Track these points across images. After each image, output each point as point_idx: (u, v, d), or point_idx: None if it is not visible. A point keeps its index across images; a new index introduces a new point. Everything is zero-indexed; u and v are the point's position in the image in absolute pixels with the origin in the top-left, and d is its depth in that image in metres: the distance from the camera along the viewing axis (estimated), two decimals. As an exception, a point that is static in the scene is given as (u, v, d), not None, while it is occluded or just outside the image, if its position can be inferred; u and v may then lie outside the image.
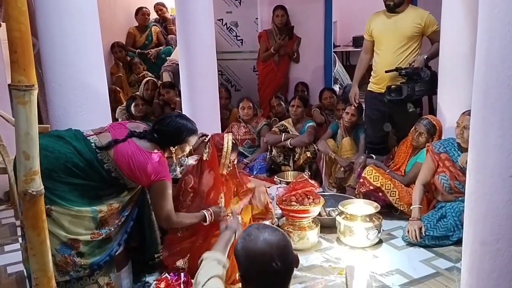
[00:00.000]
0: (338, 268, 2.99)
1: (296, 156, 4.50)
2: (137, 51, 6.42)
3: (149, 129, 2.57)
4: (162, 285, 2.56)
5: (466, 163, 1.96)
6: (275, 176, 4.34)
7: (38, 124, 1.52)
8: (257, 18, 5.95)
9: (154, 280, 2.68)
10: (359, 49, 4.61)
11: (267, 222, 3.07)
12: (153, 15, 6.79)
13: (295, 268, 1.60)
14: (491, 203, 1.74)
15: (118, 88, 5.92)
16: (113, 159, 2.38)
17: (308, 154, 4.44)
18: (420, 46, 3.96)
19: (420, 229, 3.20)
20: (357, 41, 7.61)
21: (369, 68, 4.25)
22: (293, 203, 3.22)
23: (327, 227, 3.47)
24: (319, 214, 3.41)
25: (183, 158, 3.20)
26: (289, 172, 4.47)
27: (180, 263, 2.76)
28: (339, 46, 8.69)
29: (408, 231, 3.24)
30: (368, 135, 4.20)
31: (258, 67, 5.82)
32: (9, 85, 3.83)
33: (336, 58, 6.72)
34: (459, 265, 2.80)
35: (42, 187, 1.54)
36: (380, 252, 3.21)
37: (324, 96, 5.21)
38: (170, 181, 2.53)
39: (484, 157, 1.76)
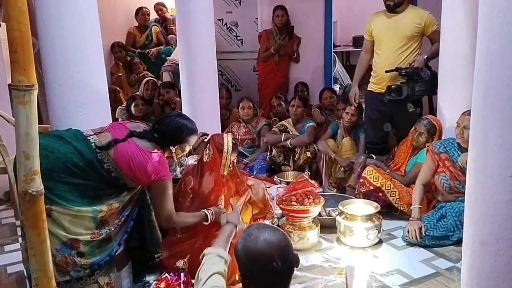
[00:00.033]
0: (338, 268, 2.99)
1: (296, 156, 4.50)
2: (137, 51, 6.42)
3: (149, 128, 2.57)
4: (162, 285, 2.55)
5: (466, 163, 1.96)
6: (275, 176, 4.34)
7: (38, 124, 1.51)
8: (257, 18, 5.95)
9: (154, 280, 2.67)
10: (359, 49, 4.61)
11: (267, 222, 3.07)
12: (153, 15, 6.80)
13: (295, 268, 1.60)
14: (491, 203, 1.74)
15: (118, 88, 5.92)
16: (113, 159, 2.37)
17: (308, 154, 4.44)
18: (420, 46, 3.96)
19: (420, 229, 3.20)
20: (357, 41, 7.61)
21: (369, 68, 4.25)
22: (293, 203, 3.22)
23: (327, 227, 3.47)
24: (319, 214, 3.41)
25: (183, 158, 3.21)
26: (289, 172, 4.47)
27: (180, 263, 2.75)
28: (339, 46, 8.69)
29: (408, 231, 3.24)
30: (368, 135, 4.20)
31: (258, 67, 5.83)
32: (9, 85, 3.84)
33: (336, 58, 6.72)
34: (459, 265, 2.80)
35: (42, 187, 1.54)
36: (380, 252, 3.21)
37: (324, 96, 5.21)
38: (171, 181, 2.53)
39: (484, 157, 1.76)
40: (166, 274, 2.63)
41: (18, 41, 1.41)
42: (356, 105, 4.25)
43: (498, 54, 1.64)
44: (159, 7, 6.78)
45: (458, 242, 2.97)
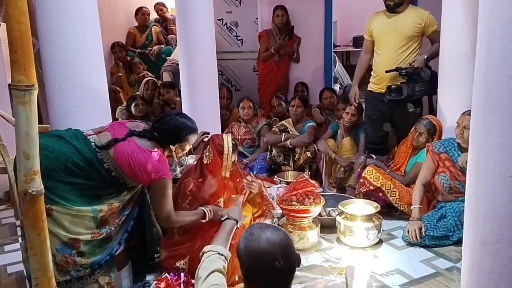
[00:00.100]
0: (338, 268, 2.99)
1: (296, 156, 4.50)
2: (137, 51, 6.42)
3: (148, 127, 2.56)
4: (162, 285, 2.55)
5: (466, 163, 1.96)
6: (275, 176, 4.34)
7: (38, 124, 1.51)
8: (257, 18, 5.95)
9: (154, 280, 2.67)
10: (359, 49, 4.61)
11: (268, 221, 3.07)
12: (153, 15, 6.80)
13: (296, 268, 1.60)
14: (491, 203, 1.74)
15: (118, 88, 5.92)
16: (113, 158, 2.37)
17: (308, 154, 4.44)
18: (420, 46, 3.96)
19: (420, 229, 3.20)
20: (357, 41, 7.61)
21: (369, 68, 4.25)
22: (293, 203, 3.22)
23: (327, 227, 3.47)
24: (319, 214, 3.41)
25: (183, 157, 3.20)
26: (289, 172, 4.47)
27: (180, 263, 2.75)
28: (339, 46, 8.69)
29: (408, 231, 3.24)
30: (368, 135, 4.20)
31: (258, 67, 5.83)
32: (9, 85, 3.84)
33: (336, 58, 6.72)
34: (459, 265, 2.80)
35: (42, 187, 1.54)
36: (380, 252, 3.21)
37: (324, 96, 5.21)
38: (171, 179, 2.53)
39: (484, 157, 1.76)
40: (166, 274, 2.62)
41: (18, 41, 1.41)
42: (356, 105, 4.25)
43: (498, 54, 1.64)
44: (159, 7, 6.78)
45: (458, 242, 2.97)
